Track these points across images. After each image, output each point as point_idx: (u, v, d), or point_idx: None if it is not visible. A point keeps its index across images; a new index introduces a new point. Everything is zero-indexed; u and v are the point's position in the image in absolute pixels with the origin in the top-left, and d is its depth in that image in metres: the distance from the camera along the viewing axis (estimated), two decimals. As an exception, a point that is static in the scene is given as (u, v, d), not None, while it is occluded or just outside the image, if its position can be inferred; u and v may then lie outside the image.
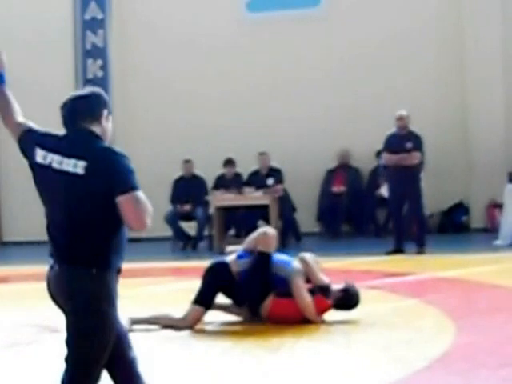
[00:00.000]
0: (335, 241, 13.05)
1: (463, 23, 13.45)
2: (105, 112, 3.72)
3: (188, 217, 12.99)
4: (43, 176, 3.59)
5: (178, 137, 14.19)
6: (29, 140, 3.69)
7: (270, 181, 12.65)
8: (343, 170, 13.78)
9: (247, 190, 12.55)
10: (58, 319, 7.01)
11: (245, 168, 13.12)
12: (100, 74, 14.36)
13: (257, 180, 12.79)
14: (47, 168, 3.55)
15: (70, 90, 14.67)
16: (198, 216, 12.84)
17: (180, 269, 10.76)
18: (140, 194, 3.48)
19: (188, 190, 13.05)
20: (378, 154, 13.27)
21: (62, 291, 3.54)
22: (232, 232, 12.97)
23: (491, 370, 5.03)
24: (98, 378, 3.54)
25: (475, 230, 13.19)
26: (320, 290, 6.66)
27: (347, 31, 13.97)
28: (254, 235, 6.87)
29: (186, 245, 13.04)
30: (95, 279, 3.48)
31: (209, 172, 13.18)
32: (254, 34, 14.24)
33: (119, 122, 14.47)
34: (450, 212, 13.53)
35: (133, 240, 15.18)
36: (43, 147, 3.59)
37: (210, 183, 13.16)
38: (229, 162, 13.06)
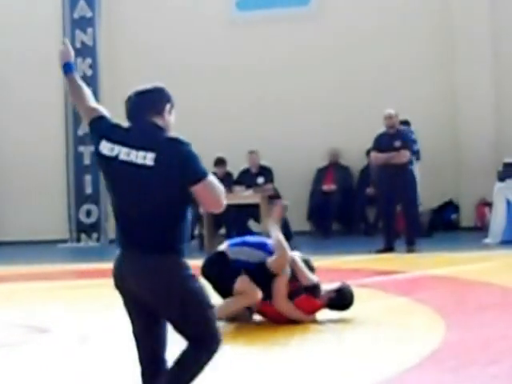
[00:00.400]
0: (326, 239, 13.07)
1: (452, 21, 13.49)
2: (167, 106, 3.89)
3: (178, 216, 12.95)
4: (110, 167, 3.75)
5: (168, 136, 14.15)
6: (97, 128, 3.87)
7: (261, 179, 12.66)
8: (334, 168, 13.80)
9: (237, 188, 12.55)
10: (47, 319, 7.07)
11: (235, 167, 13.12)
12: (89, 72, 14.34)
13: (247, 179, 12.80)
14: (114, 160, 3.71)
15: (59, 90, 14.63)
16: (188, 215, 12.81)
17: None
18: (211, 178, 3.70)
19: (178, 189, 13.01)
20: (369, 152, 13.32)
21: (138, 277, 3.67)
22: (222, 231, 12.96)
23: (481, 367, 5.06)
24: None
25: (465, 229, 13.23)
26: (308, 290, 6.64)
27: (336, 30, 13.98)
28: (287, 250, 6.68)
29: (176, 244, 13.02)
30: (171, 264, 3.68)
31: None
32: (244, 32, 14.24)
33: (109, 121, 14.48)
34: (440, 210, 13.57)
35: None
36: (109, 139, 3.75)
37: (199, 182, 13.12)
38: (220, 162, 13.05)
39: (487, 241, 11.49)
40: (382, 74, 13.72)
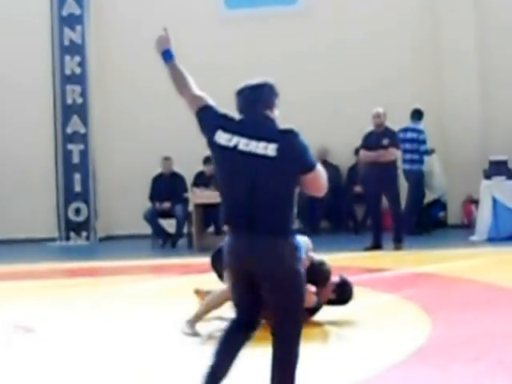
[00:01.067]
0: (314, 237, 12.84)
1: (439, 24, 13.58)
2: (276, 101, 4.19)
3: (167, 214, 13.01)
4: (226, 157, 4.01)
5: (157, 134, 14.18)
6: (208, 118, 4.11)
7: (249, 178, 12.68)
8: (322, 166, 13.83)
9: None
10: (35, 319, 7.07)
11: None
12: (78, 70, 14.32)
13: (235, 177, 12.83)
14: (232, 150, 3.97)
15: (48, 87, 14.62)
16: (178, 213, 12.88)
17: (159, 266, 10.79)
18: (319, 166, 4.12)
19: (167, 187, 13.07)
20: (357, 151, 13.39)
21: (257, 256, 3.94)
22: (211, 229, 13.00)
23: (466, 363, 5.14)
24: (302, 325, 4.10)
25: (452, 226, 13.32)
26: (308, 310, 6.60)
27: (324, 28, 14.03)
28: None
29: (165, 242, 13.07)
30: (286, 246, 3.98)
31: (188, 169, 13.21)
32: (233, 30, 14.27)
33: (98, 119, 14.49)
34: (428, 208, 13.65)
35: (111, 238, 15.15)
36: (226, 129, 4.01)
37: (189, 180, 13.20)
38: (209, 160, 13.07)
39: (474, 238, 11.57)
40: (371, 73, 13.78)
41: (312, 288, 6.48)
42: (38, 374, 5.46)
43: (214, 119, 4.08)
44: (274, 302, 4.03)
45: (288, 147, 3.96)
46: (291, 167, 3.96)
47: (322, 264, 6.67)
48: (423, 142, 12.55)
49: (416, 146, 12.50)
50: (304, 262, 6.49)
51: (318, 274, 6.56)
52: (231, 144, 3.98)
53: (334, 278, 6.72)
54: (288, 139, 3.99)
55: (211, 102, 4.15)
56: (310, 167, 4.02)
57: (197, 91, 4.23)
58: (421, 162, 12.66)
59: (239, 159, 3.96)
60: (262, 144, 3.94)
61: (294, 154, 3.96)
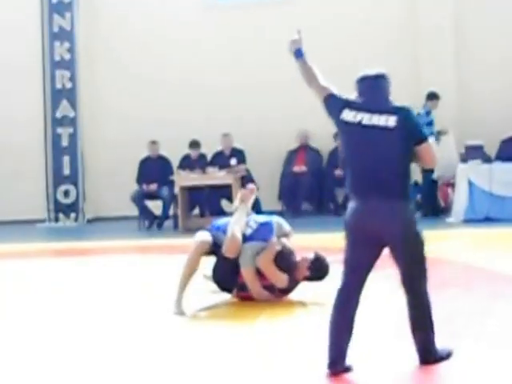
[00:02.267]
0: (296, 219, 13.06)
1: (417, 11, 13.61)
2: (390, 89, 4.67)
3: (154, 196, 12.97)
4: (353, 132, 4.46)
5: (145, 118, 14.12)
6: (334, 102, 4.61)
7: (233, 161, 12.67)
8: (304, 150, 13.84)
9: (211, 170, 12.56)
10: (22, 296, 7.00)
11: (209, 148, 13.12)
12: (67, 56, 14.25)
13: (220, 160, 12.81)
14: (357, 125, 4.44)
15: (38, 72, 14.50)
16: (164, 195, 12.83)
17: (146, 247, 10.76)
18: (431, 140, 4.56)
19: (154, 170, 13.02)
20: (336, 136, 13.37)
21: (383, 219, 4.40)
22: (196, 211, 12.97)
23: (443, 340, 5.12)
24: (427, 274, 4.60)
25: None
26: (280, 290, 6.55)
27: (307, 15, 13.97)
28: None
29: (151, 224, 13.02)
30: (408, 209, 4.45)
31: (174, 153, 13.15)
32: (219, 18, 14.19)
33: (86, 105, 14.41)
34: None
35: (99, 219, 15.11)
36: (351, 108, 4.50)
37: (175, 164, 13.14)
38: (194, 144, 13.04)
39: (450, 220, 11.59)
40: (351, 59, 13.72)
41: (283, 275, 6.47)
42: (28, 350, 5.42)
43: (340, 102, 4.56)
44: (402, 259, 4.49)
45: (405, 119, 4.41)
46: (408, 137, 4.40)
47: (291, 254, 6.63)
48: (430, 123, 12.49)
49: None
50: (273, 245, 6.51)
51: (285, 262, 6.52)
52: (356, 120, 4.45)
53: (309, 255, 6.66)
54: (405, 113, 4.45)
55: (335, 90, 4.66)
56: (424, 138, 4.48)
57: (323, 82, 4.77)
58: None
59: (364, 132, 4.42)
60: (384, 117, 4.40)
61: (410, 125, 4.43)
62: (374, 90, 4.58)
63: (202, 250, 6.50)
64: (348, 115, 4.48)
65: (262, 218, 6.83)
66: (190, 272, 6.47)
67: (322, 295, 6.65)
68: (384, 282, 7.28)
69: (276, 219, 6.84)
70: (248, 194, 6.92)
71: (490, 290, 6.73)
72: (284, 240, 6.68)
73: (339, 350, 4.45)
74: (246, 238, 6.55)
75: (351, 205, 4.50)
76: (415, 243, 4.48)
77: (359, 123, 4.43)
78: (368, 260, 4.56)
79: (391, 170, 4.38)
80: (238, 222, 6.61)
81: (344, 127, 4.51)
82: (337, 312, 4.54)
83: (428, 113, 12.60)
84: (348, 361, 4.49)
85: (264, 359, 5.00)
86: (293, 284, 6.58)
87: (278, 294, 6.54)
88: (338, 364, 4.43)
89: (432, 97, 12.70)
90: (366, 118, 4.43)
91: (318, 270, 6.58)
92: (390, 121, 4.38)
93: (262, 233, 6.58)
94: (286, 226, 6.85)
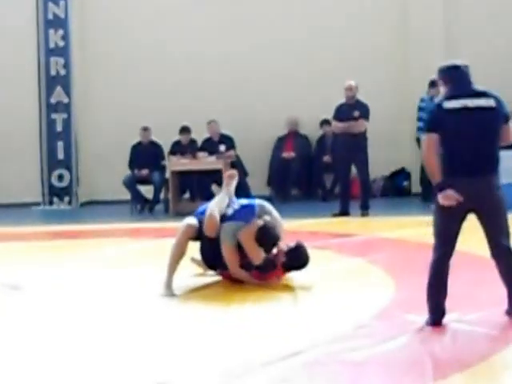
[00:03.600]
0: (285, 204, 13.03)
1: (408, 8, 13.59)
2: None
3: (145, 181, 12.93)
4: (455, 117, 4.94)
5: (137, 105, 14.05)
6: (434, 119, 5.06)
7: (222, 147, 12.64)
8: (293, 137, 13.80)
9: (201, 155, 12.53)
10: (18, 277, 7.01)
11: (200, 134, 13.08)
12: (61, 43, 14.17)
13: (209, 146, 12.77)
14: (463, 109, 4.94)
15: (33, 59, 14.34)
16: (155, 180, 12.80)
17: (137, 230, 10.74)
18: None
19: (145, 155, 12.98)
20: (323, 123, 13.38)
21: (482, 192, 4.95)
22: (187, 195, 12.94)
23: (426, 323, 5.14)
24: None
25: (415, 195, 13.29)
26: (257, 267, 6.53)
27: (297, 4, 13.93)
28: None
29: (143, 207, 12.98)
30: (499, 181, 5.05)
31: (165, 138, 13.11)
32: (208, 7, 14.11)
33: (80, 91, 14.32)
34: (393, 177, 13.66)
35: (92, 203, 15.02)
36: (453, 98, 4.99)
37: (166, 149, 13.10)
38: (184, 129, 12.99)
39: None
40: (340, 48, 13.70)
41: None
42: (24, 329, 5.42)
43: (436, 111, 5.06)
44: (492, 226, 5.03)
45: (499, 101, 5.02)
46: (500, 117, 5.01)
47: (273, 228, 6.60)
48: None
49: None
50: (255, 222, 6.49)
51: (266, 237, 6.50)
52: (461, 105, 4.94)
53: (291, 244, 6.64)
54: (496, 95, 5.05)
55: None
56: (508, 119, 5.06)
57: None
58: None
59: (470, 114, 4.93)
60: (483, 99, 4.97)
61: (502, 106, 5.03)
62: (467, 76, 5.09)
63: (188, 234, 6.57)
64: (450, 103, 4.97)
65: (245, 201, 6.87)
66: (178, 255, 6.51)
67: (309, 279, 6.67)
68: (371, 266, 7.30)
69: (259, 202, 6.86)
70: (228, 179, 6.95)
71: (473, 274, 6.73)
72: (267, 217, 6.65)
73: (442, 310, 5.07)
74: (226, 218, 6.59)
75: (450, 182, 4.88)
76: (503, 212, 5.05)
77: (465, 107, 4.94)
78: (459, 229, 5.05)
79: (493, 145, 5.00)
80: (217, 203, 6.71)
81: (450, 114, 4.95)
82: (437, 279, 5.06)
83: (431, 98, 12.61)
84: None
85: (244, 340, 5.00)
86: (269, 264, 6.53)
87: (254, 273, 6.51)
88: (440, 321, 5.04)
89: (434, 84, 12.65)
90: (469, 102, 4.95)
91: (295, 258, 6.57)
92: (491, 102, 4.97)
93: (243, 214, 6.62)
94: (274, 213, 6.83)
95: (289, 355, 4.54)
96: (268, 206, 6.92)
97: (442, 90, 5.17)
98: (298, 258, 6.59)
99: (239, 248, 6.51)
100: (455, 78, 5.09)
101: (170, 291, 6.31)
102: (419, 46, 13.39)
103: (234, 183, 7.05)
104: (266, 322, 5.42)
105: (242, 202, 6.82)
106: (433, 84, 12.56)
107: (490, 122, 4.98)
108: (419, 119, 12.49)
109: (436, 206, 5.07)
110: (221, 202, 6.72)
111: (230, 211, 6.67)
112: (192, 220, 6.66)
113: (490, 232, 5.06)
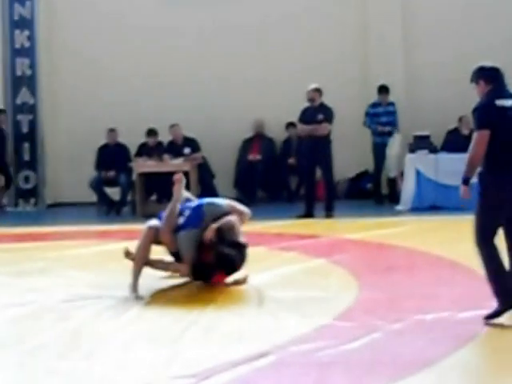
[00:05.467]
0: (251, 206, 12.84)
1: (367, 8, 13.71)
2: None
3: (112, 182, 12.90)
4: (506, 114, 5.18)
5: (103, 107, 14.01)
6: (486, 115, 5.20)
7: (187, 150, 12.66)
8: (258, 139, 13.86)
9: (167, 157, 12.53)
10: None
11: (166, 137, 13.08)
12: (27, 44, 14.07)
13: (174, 149, 12.77)
14: (510, 108, 5.19)
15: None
16: (122, 182, 12.77)
17: (104, 232, 10.69)
18: None
19: (112, 157, 12.95)
20: (288, 126, 13.45)
21: None
22: (154, 197, 12.93)
23: (390, 323, 5.21)
24: None
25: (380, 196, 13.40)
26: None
27: (260, 6, 13.98)
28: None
29: (110, 209, 12.94)
30: None
31: (132, 140, 13.09)
32: (177, 7, 14.11)
33: (46, 92, 14.23)
34: (357, 179, 13.76)
35: (59, 205, 14.89)
36: (502, 97, 5.22)
37: (133, 151, 13.08)
38: (151, 132, 12.99)
39: (398, 208, 11.71)
40: (305, 50, 13.79)
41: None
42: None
43: (488, 110, 5.21)
44: None
45: None
46: None
47: (231, 229, 6.51)
48: (374, 115, 12.67)
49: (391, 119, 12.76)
50: (210, 230, 6.46)
51: (228, 237, 6.45)
52: (509, 104, 5.19)
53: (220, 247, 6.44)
54: None
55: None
56: None
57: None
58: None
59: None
60: None
61: None
62: (504, 78, 5.32)
63: (150, 237, 6.60)
64: (501, 103, 5.19)
65: (195, 203, 6.85)
66: (141, 259, 6.53)
67: (275, 279, 6.71)
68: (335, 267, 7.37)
69: (208, 201, 6.83)
70: (176, 184, 6.92)
71: (434, 274, 6.84)
72: (228, 218, 6.61)
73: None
74: (179, 227, 6.58)
75: (495, 178, 5.13)
76: None
77: (510, 107, 5.20)
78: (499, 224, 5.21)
79: None
80: (167, 217, 6.63)
81: (500, 112, 5.17)
82: (497, 270, 5.15)
83: (374, 105, 12.79)
84: None
85: (210, 342, 5.04)
86: (198, 263, 6.48)
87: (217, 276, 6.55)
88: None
89: (382, 90, 12.84)
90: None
91: (221, 259, 6.40)
92: None
93: (192, 220, 6.59)
94: (224, 205, 6.77)
95: (255, 356, 4.58)
96: (217, 201, 6.87)
97: (481, 88, 5.29)
98: (223, 263, 6.44)
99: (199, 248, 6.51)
100: (500, 78, 5.32)
101: (135, 294, 6.33)
102: (380, 50, 13.54)
103: (182, 186, 6.98)
104: (231, 323, 5.46)
105: (193, 205, 6.78)
106: (380, 90, 12.78)
107: None
108: (367, 124, 12.67)
109: (482, 202, 5.17)
110: (170, 214, 6.65)
111: (181, 220, 6.64)
112: (154, 222, 6.69)
113: None
